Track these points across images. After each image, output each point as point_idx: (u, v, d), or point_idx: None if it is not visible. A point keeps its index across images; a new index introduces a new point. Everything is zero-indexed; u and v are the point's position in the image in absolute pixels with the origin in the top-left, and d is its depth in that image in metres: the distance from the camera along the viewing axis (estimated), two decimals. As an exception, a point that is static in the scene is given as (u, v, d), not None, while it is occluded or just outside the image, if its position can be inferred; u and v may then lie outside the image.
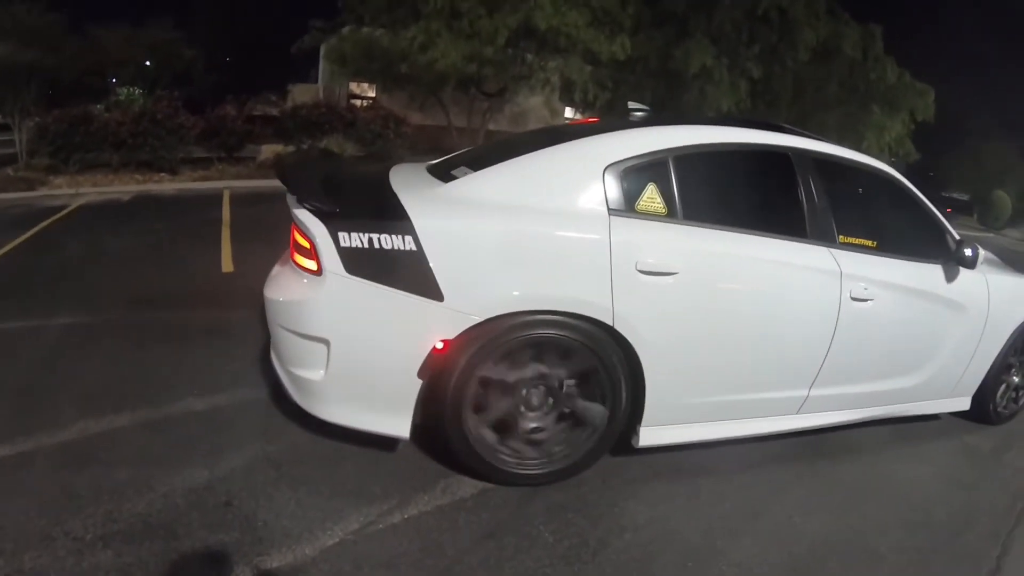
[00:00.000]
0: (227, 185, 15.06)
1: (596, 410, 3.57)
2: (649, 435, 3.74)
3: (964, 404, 5.04)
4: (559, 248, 3.35)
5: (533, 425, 3.53)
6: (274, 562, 2.91)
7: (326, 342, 3.27)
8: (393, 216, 3.23)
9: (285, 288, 3.49)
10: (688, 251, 3.53)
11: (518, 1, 16.92)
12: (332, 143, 17.81)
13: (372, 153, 18.29)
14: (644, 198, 3.54)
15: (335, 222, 3.20)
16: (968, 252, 4.33)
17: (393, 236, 3.17)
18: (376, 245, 3.16)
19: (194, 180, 15.66)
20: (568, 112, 26.53)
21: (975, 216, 31.13)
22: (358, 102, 25.08)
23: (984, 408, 5.13)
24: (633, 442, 3.76)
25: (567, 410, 3.57)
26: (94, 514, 3.12)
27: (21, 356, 4.75)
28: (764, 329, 3.81)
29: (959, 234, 4.56)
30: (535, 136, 4.37)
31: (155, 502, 3.24)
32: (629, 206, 3.50)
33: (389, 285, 3.18)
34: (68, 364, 4.66)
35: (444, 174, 3.83)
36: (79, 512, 3.13)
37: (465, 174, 3.64)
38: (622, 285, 3.36)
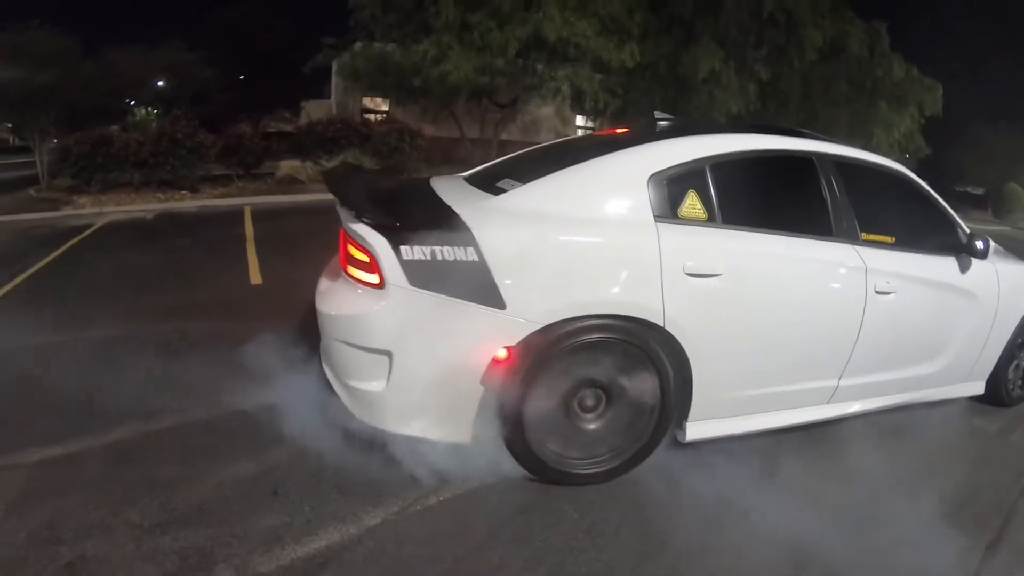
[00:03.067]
0: (248, 201, 15.29)
1: (648, 408, 3.74)
2: (695, 430, 3.92)
3: (979, 388, 5.23)
4: (611, 255, 3.51)
5: (590, 426, 3.70)
6: (322, 541, 3.15)
7: (388, 354, 3.38)
8: (455, 228, 3.35)
9: (342, 302, 3.57)
10: (729, 253, 3.71)
11: (527, 13, 17.13)
12: (350, 157, 18.01)
13: (388, 166, 18.49)
14: (686, 205, 3.72)
15: (396, 236, 3.31)
16: (979, 244, 4.54)
17: (456, 248, 3.29)
18: (439, 257, 3.28)
19: (215, 197, 15.90)
20: (579, 120, 26.68)
21: (990, 210, 30.93)
22: (372, 116, 25.31)
23: (998, 391, 5.31)
24: (680, 437, 3.94)
25: (620, 410, 3.72)
26: (149, 504, 3.36)
27: (62, 366, 4.95)
28: (799, 323, 3.98)
29: (969, 227, 4.75)
30: (573, 147, 4.57)
31: (206, 493, 3.49)
32: (673, 212, 3.69)
33: (452, 296, 3.30)
34: (108, 373, 4.85)
35: (489, 186, 4.01)
36: (135, 503, 3.37)
37: (513, 186, 3.79)
38: (671, 288, 3.53)
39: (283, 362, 4.61)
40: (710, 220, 3.77)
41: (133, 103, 29.68)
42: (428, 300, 3.30)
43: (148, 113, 26.67)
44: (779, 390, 4.11)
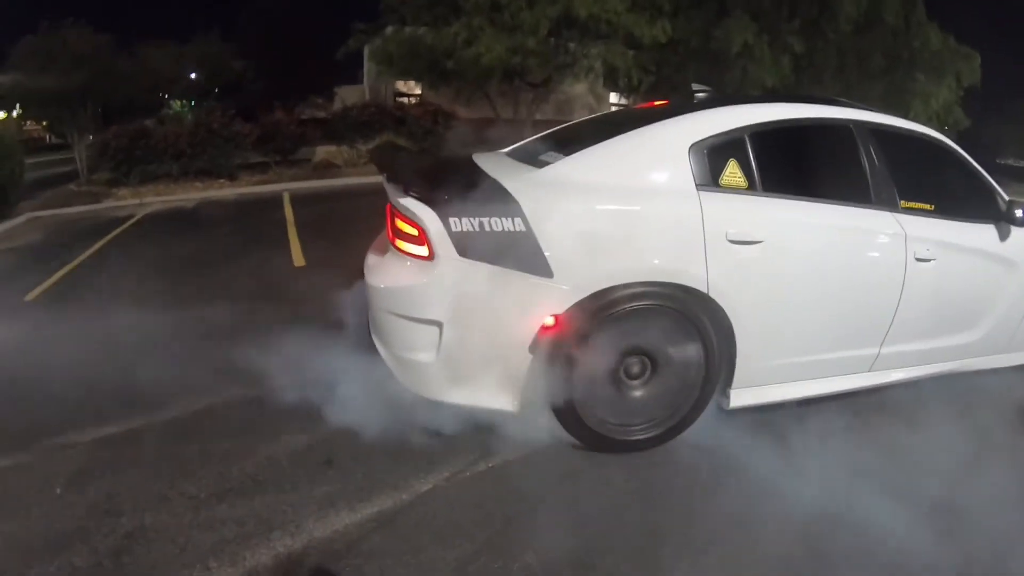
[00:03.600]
0: (286, 187, 15.51)
1: (692, 375, 3.80)
2: (739, 397, 3.96)
3: (1021, 359, 5.13)
4: (655, 223, 3.56)
5: (636, 393, 3.77)
6: (375, 507, 3.27)
7: (439, 324, 3.45)
8: (502, 200, 3.43)
9: (391, 274, 3.66)
10: (770, 220, 3.75)
11: (558, -9, 17.06)
12: (384, 141, 18.14)
13: (424, 148, 18.61)
14: (727, 173, 3.77)
15: (445, 208, 3.39)
16: (1019, 212, 4.49)
17: (503, 219, 3.37)
18: (487, 228, 3.36)
19: (253, 184, 16.18)
20: (613, 98, 26.54)
21: (1033, 181, 30.32)
22: (405, 100, 25.41)
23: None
24: (723, 404, 3.99)
25: (665, 377, 3.78)
26: (205, 476, 3.52)
27: (115, 349, 5.10)
28: (839, 290, 3.99)
29: (1009, 196, 4.70)
30: (612, 120, 4.63)
31: (261, 463, 3.63)
32: (714, 181, 3.73)
33: (501, 265, 3.37)
34: (162, 354, 5.01)
35: (532, 159, 4.08)
36: (191, 475, 3.52)
37: (556, 159, 3.85)
38: (715, 255, 3.57)
39: (330, 338, 4.70)
40: (751, 188, 3.80)
41: (168, 96, 29.92)
42: (477, 270, 3.38)
43: (183, 105, 26.90)
44: (821, 358, 4.13)
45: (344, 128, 18.65)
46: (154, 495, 3.35)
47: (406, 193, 3.53)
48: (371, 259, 4.02)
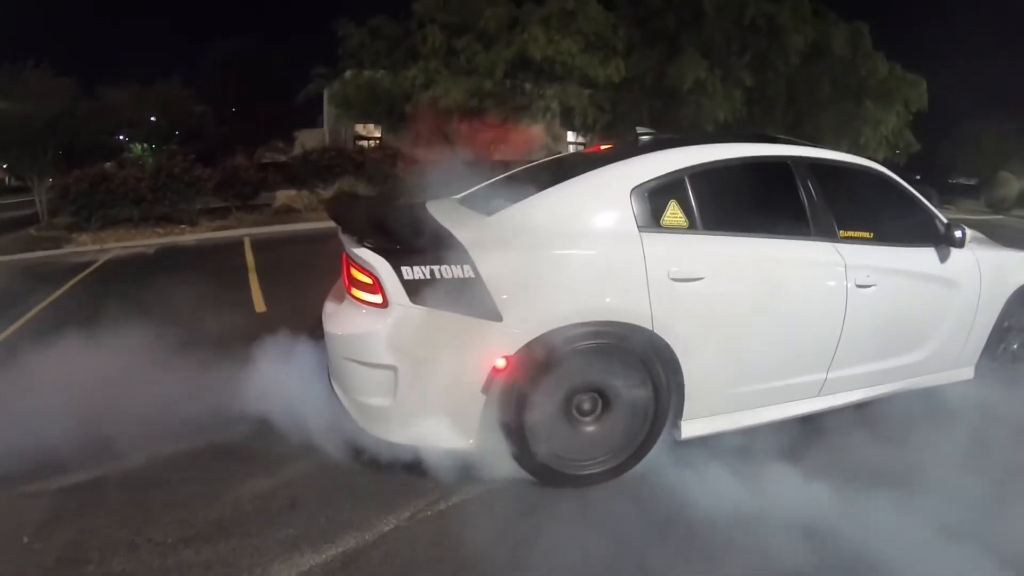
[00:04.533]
0: (246, 232, 15.55)
1: (643, 409, 3.94)
2: (690, 427, 4.09)
3: (969, 374, 5.29)
4: (599, 265, 3.71)
5: (588, 429, 3.90)
6: (339, 548, 3.36)
7: (394, 369, 3.59)
8: (451, 248, 3.59)
9: (348, 322, 3.79)
10: (710, 257, 3.92)
11: (512, 34, 17.38)
12: (344, 185, 18.24)
13: (382, 192, 18.72)
14: (668, 214, 3.95)
15: (397, 257, 3.55)
16: (957, 233, 4.70)
17: (453, 266, 3.53)
18: (437, 275, 3.52)
19: (214, 230, 16.16)
20: (571, 136, 26.85)
21: (982, 199, 30.96)
22: (365, 143, 25.56)
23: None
24: (675, 436, 4.10)
25: (617, 412, 3.91)
26: (171, 522, 3.58)
27: (76, 394, 5.00)
28: (782, 320, 4.15)
29: (947, 217, 4.91)
30: (558, 166, 4.80)
31: (225, 508, 3.71)
32: (655, 222, 3.91)
33: (452, 311, 3.52)
34: (125, 402, 4.90)
35: (481, 206, 4.24)
36: (156, 522, 3.58)
37: (503, 206, 4.01)
38: (658, 293, 3.73)
39: (292, 383, 4.76)
40: (691, 227, 3.98)
41: (128, 140, 29.89)
42: (429, 316, 3.53)
43: (143, 149, 26.90)
44: (769, 386, 4.27)
45: (304, 172, 18.75)
46: (122, 541, 3.41)
47: (360, 243, 3.67)
48: (329, 307, 4.14)
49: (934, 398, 5.03)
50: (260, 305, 8.26)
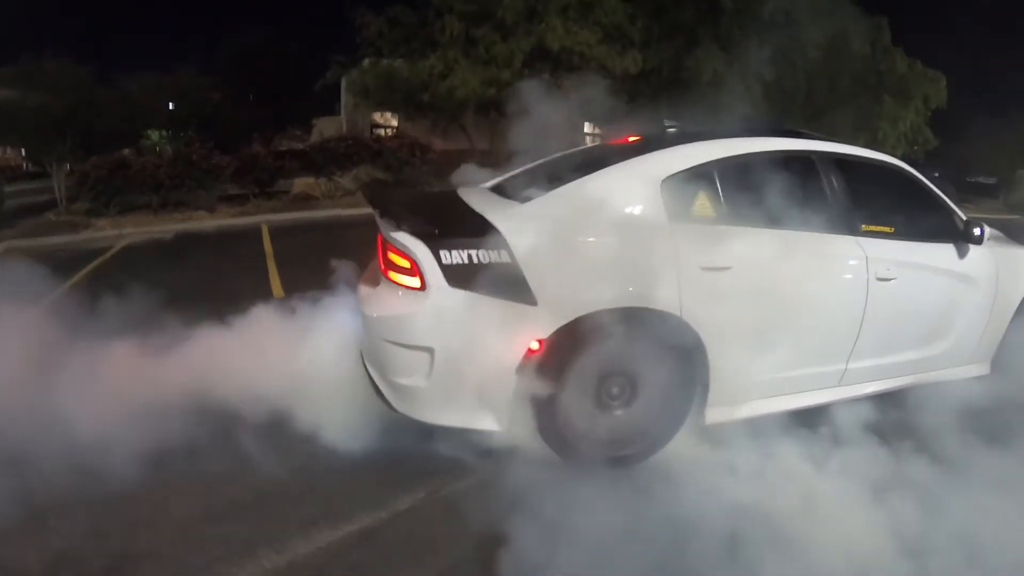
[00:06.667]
0: (264, 219, 15.66)
1: (670, 394, 4.05)
2: (714, 413, 4.17)
3: (985, 370, 5.35)
4: (631, 253, 3.80)
5: (616, 413, 3.99)
6: (355, 525, 3.47)
7: (431, 350, 3.68)
8: (489, 234, 3.69)
9: (386, 304, 3.91)
10: (737, 248, 4.00)
11: (530, 24, 17.41)
12: (362, 173, 18.31)
13: (400, 180, 18.80)
14: (696, 205, 4.07)
15: (436, 242, 3.65)
16: (976, 231, 4.77)
17: (490, 251, 3.64)
18: (475, 260, 3.63)
19: (232, 216, 16.28)
20: (587, 127, 26.78)
21: (1001, 199, 30.59)
22: (381, 131, 25.60)
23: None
24: (700, 422, 4.19)
25: (644, 396, 4.01)
26: (195, 501, 3.67)
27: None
28: (805, 311, 4.22)
29: (966, 215, 4.97)
30: (588, 157, 4.89)
31: (249, 488, 3.81)
32: (685, 213, 4.03)
33: (488, 295, 3.62)
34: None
35: (514, 194, 4.33)
36: (179, 499, 3.67)
37: (537, 194, 4.11)
38: (687, 281, 3.84)
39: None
40: (719, 218, 4.11)
41: (147, 127, 29.99)
42: (466, 299, 3.63)
43: (161, 137, 26.98)
44: (791, 374, 4.37)
45: (322, 160, 18.78)
46: (142, 520, 3.50)
47: (399, 228, 3.78)
48: (364, 290, 4.26)
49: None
50: (279, 291, 8.34)
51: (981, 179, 34.36)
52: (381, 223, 4.07)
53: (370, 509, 3.57)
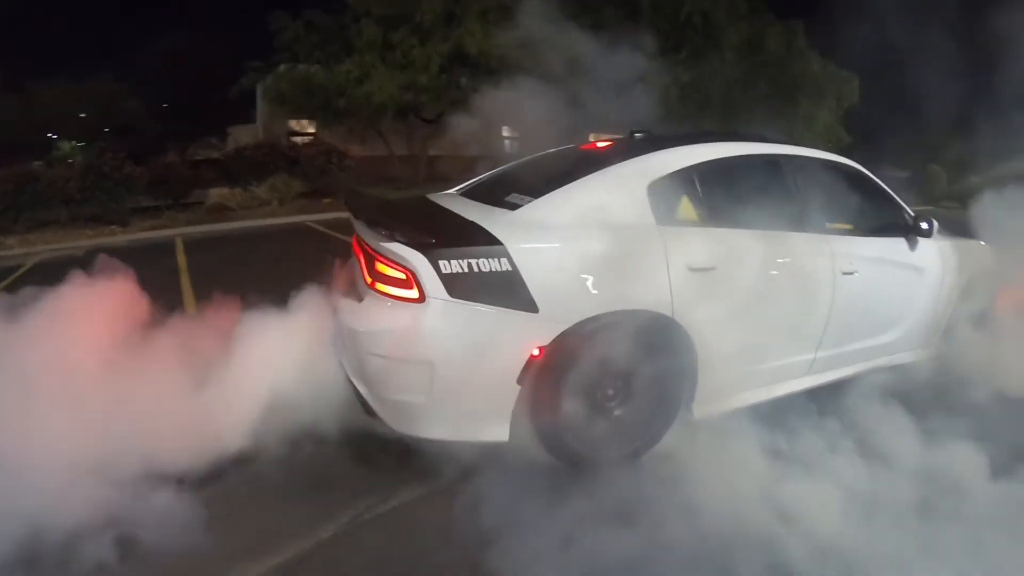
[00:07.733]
0: (179, 232, 15.26)
1: (663, 392, 4.11)
2: (702, 408, 4.23)
3: (932, 352, 5.66)
4: (625, 257, 3.79)
5: (614, 413, 4.02)
6: (278, 557, 3.29)
7: (431, 364, 3.57)
8: (488, 242, 3.65)
9: (377, 317, 3.75)
10: (720, 249, 4.12)
11: (448, 29, 17.34)
12: (279, 182, 18.05)
13: (317, 189, 18.60)
14: (680, 208, 4.18)
15: (434, 252, 3.56)
16: (924, 224, 5.13)
17: (490, 260, 3.58)
18: (476, 269, 3.56)
19: (145, 230, 15.81)
20: (506, 131, 26.83)
21: (920, 192, 31.58)
22: (299, 139, 25.27)
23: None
24: (688, 417, 4.23)
25: (639, 396, 4.04)
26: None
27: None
28: (781, 306, 4.39)
29: (914, 210, 5.30)
30: (567, 161, 4.85)
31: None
32: (671, 216, 4.12)
33: (490, 304, 3.57)
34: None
35: (498, 201, 4.27)
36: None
37: (524, 200, 4.07)
38: (677, 282, 3.91)
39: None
40: (701, 220, 4.22)
41: (56, 137, 29.23)
42: (467, 309, 3.56)
43: (71, 147, 26.31)
44: (769, 366, 4.53)
45: (238, 169, 18.52)
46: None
47: (392, 239, 3.68)
48: (344, 303, 4.15)
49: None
50: (191, 308, 8.09)
51: (894, 174, 35.32)
52: (367, 234, 3.99)
53: (292, 539, 3.41)
